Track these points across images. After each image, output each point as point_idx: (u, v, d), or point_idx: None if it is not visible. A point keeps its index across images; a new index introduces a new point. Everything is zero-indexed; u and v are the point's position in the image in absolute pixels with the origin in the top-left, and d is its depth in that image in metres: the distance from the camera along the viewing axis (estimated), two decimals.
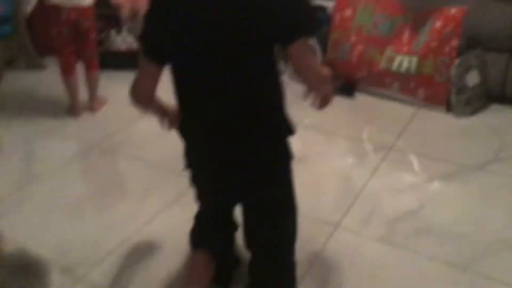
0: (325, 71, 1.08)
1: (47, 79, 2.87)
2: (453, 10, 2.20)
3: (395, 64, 2.35)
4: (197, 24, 1.02)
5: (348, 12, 2.48)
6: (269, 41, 1.04)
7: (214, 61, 1.04)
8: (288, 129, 1.13)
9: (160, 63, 1.09)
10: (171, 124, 1.20)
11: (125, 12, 3.04)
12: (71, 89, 2.47)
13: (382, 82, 2.42)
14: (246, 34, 1.01)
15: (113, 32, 2.98)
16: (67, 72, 2.43)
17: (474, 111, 2.29)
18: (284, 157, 1.16)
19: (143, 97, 1.14)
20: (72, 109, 2.51)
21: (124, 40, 2.97)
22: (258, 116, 1.09)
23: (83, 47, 2.41)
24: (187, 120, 1.15)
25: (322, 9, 2.70)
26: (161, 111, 1.20)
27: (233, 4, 1.00)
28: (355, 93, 2.53)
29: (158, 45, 1.07)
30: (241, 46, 1.02)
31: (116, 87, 2.78)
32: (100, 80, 2.53)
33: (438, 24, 2.23)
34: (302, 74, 1.07)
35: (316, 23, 1.10)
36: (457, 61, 2.21)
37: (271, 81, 1.10)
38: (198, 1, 1.02)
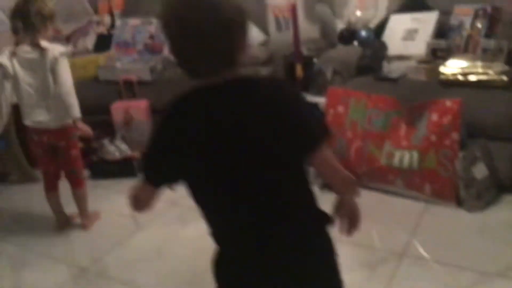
0: (348, 173, 1.08)
1: (40, 192, 2.77)
2: (448, 103, 2.14)
3: (396, 160, 2.26)
4: (210, 150, 1.00)
5: (340, 108, 2.44)
6: (290, 155, 1.02)
7: (235, 181, 1.01)
8: (327, 218, 1.10)
9: (159, 188, 1.08)
10: None
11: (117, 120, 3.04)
12: (52, 207, 2.40)
13: (385, 178, 2.32)
14: (263, 154, 0.99)
15: (106, 142, 2.94)
16: (47, 190, 2.38)
17: (487, 204, 2.17)
18: (331, 249, 1.12)
19: (141, 209, 1.13)
20: (57, 226, 2.42)
21: (118, 149, 2.92)
22: (295, 219, 1.05)
23: (63, 166, 2.34)
24: (219, 233, 1.10)
25: (314, 104, 2.68)
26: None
27: (247, 125, 0.98)
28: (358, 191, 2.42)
29: (160, 174, 1.06)
30: (260, 165, 1.00)
31: (110, 197, 2.71)
32: (88, 195, 2.42)
33: (435, 117, 2.17)
34: (328, 179, 1.08)
35: (329, 127, 1.08)
36: (460, 154, 2.12)
37: (300, 185, 1.08)
38: (209, 126, 0.99)
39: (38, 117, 2.19)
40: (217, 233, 1.09)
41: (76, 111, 2.18)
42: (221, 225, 1.08)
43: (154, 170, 1.06)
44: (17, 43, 2.15)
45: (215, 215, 1.07)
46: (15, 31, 2.13)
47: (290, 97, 1.02)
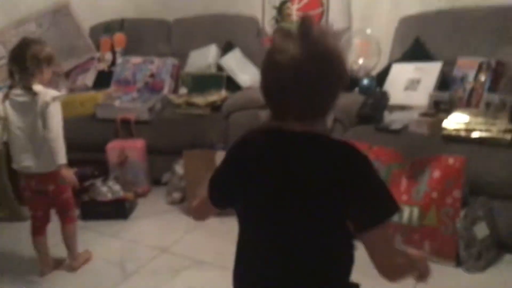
0: (403, 260, 1.04)
1: (28, 232, 2.66)
2: (451, 160, 2.08)
3: (396, 215, 2.18)
4: (266, 191, 1.02)
5: None
6: (341, 222, 0.99)
7: (277, 228, 1.02)
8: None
9: (218, 208, 1.14)
10: None
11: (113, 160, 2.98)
12: (38, 251, 2.31)
13: None
14: (316, 213, 0.99)
15: (98, 182, 2.87)
16: (33, 233, 2.30)
17: (487, 264, 2.08)
18: None
19: (200, 219, 1.24)
20: (40, 270, 2.32)
21: (110, 190, 2.85)
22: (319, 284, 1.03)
23: (54, 206, 2.27)
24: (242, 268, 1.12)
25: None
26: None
27: (308, 182, 0.98)
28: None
29: (220, 196, 1.12)
30: (308, 220, 1.00)
31: (98, 241, 2.61)
32: (78, 234, 2.33)
33: (437, 174, 2.10)
34: (375, 264, 1.00)
35: (396, 206, 1.02)
36: (462, 213, 2.05)
37: (339, 252, 1.05)
38: (274, 170, 1.01)
39: (25, 162, 2.14)
40: (239, 272, 1.11)
41: (61, 158, 2.10)
42: (247, 265, 1.10)
43: (214, 190, 1.12)
44: (11, 86, 2.13)
45: (247, 252, 1.10)
46: (10, 74, 2.12)
47: (361, 166, 0.99)
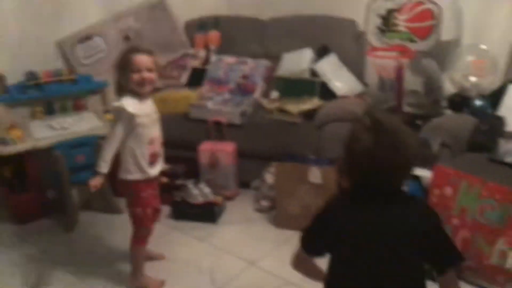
0: None
1: (123, 225, 2.65)
2: None
3: (510, 261, 2.01)
4: (356, 239, 1.23)
5: (448, 190, 2.22)
6: (422, 265, 1.24)
7: (366, 272, 1.22)
8: None
9: (311, 256, 1.36)
10: None
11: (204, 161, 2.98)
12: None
13: (493, 278, 2.07)
14: (401, 258, 1.21)
15: (190, 184, 2.89)
16: None
17: None
18: None
19: (299, 271, 1.41)
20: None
21: (201, 193, 2.87)
22: None
23: None
24: None
25: (416, 178, 2.47)
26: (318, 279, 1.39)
27: (397, 232, 1.21)
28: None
29: (314, 247, 1.34)
30: (392, 266, 1.21)
31: (188, 244, 2.63)
32: (141, 259, 2.24)
33: None
34: None
35: (461, 255, 1.30)
36: None
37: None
38: (363, 222, 1.23)
39: None
40: None
41: (98, 164, 2.01)
42: None
43: (308, 242, 1.34)
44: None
45: None
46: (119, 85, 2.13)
47: (434, 222, 1.25)
